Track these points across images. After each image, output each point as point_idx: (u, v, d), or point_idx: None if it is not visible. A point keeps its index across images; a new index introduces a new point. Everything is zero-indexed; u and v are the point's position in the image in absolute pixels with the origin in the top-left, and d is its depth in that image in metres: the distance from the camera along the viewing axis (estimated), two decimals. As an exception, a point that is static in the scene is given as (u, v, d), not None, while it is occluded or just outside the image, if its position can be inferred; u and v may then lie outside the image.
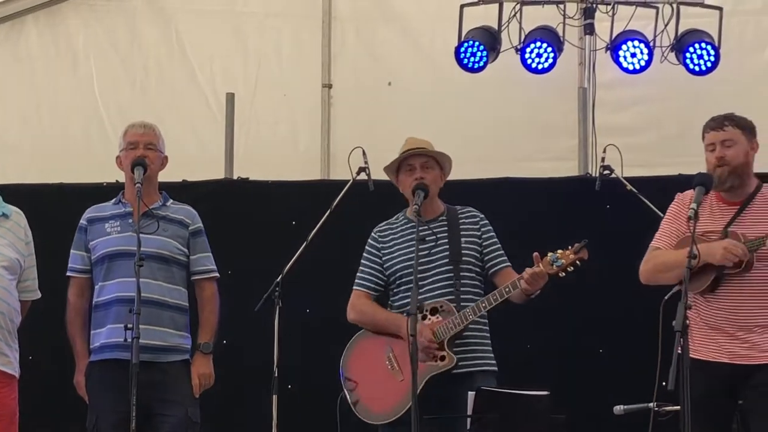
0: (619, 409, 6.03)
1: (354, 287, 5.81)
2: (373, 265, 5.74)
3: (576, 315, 7.21)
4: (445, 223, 5.67)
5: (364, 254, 5.80)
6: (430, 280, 5.52)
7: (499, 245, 5.72)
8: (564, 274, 5.37)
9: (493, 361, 5.62)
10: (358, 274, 5.81)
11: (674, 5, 7.59)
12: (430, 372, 5.34)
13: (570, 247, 5.37)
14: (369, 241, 5.81)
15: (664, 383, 4.50)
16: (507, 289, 5.42)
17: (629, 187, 6.94)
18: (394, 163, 5.75)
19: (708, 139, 5.18)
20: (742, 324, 4.99)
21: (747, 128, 5.20)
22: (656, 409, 5.68)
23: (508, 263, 5.69)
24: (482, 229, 5.70)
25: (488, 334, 5.64)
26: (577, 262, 5.36)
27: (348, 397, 5.65)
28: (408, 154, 5.70)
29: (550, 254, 5.36)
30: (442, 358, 5.41)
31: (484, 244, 5.67)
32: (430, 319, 5.47)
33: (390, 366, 5.54)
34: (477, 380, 5.39)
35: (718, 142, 5.13)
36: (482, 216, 5.75)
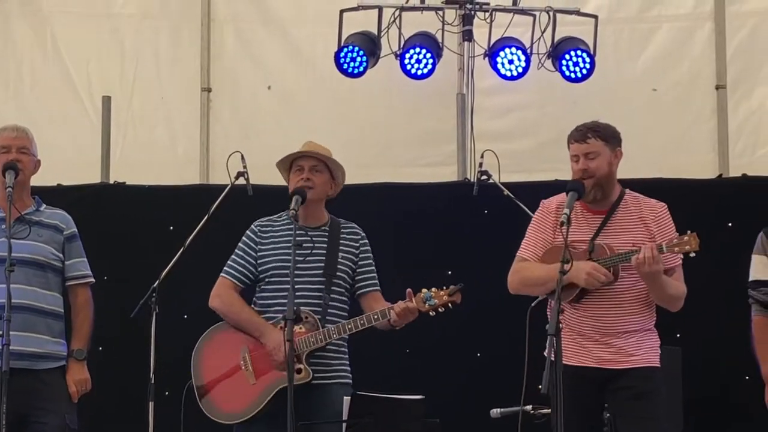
0: (495, 412, 6.09)
1: (222, 274, 5.67)
2: (247, 258, 5.65)
3: (453, 318, 7.23)
4: (326, 234, 5.62)
5: (240, 244, 5.68)
6: (300, 287, 5.43)
7: (374, 267, 5.69)
8: (434, 313, 5.39)
9: (349, 374, 5.58)
10: (229, 262, 5.68)
11: (551, 13, 7.70)
12: (284, 383, 5.27)
13: (445, 288, 5.38)
14: (247, 232, 5.69)
15: (540, 387, 4.55)
16: (375, 317, 5.40)
17: (506, 192, 7.02)
18: (285, 161, 5.69)
19: (572, 150, 5.24)
20: (608, 330, 5.09)
21: (610, 138, 5.25)
22: (531, 412, 5.77)
23: (378, 287, 5.66)
24: (361, 248, 5.66)
25: (346, 348, 5.61)
26: (450, 304, 5.38)
27: (195, 389, 5.55)
28: (299, 154, 5.66)
29: (424, 291, 5.36)
30: (298, 371, 5.32)
31: (359, 263, 5.64)
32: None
33: (244, 367, 5.48)
34: (333, 392, 5.36)
35: (581, 154, 5.19)
36: (363, 235, 5.71)
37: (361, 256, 5.65)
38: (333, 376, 5.49)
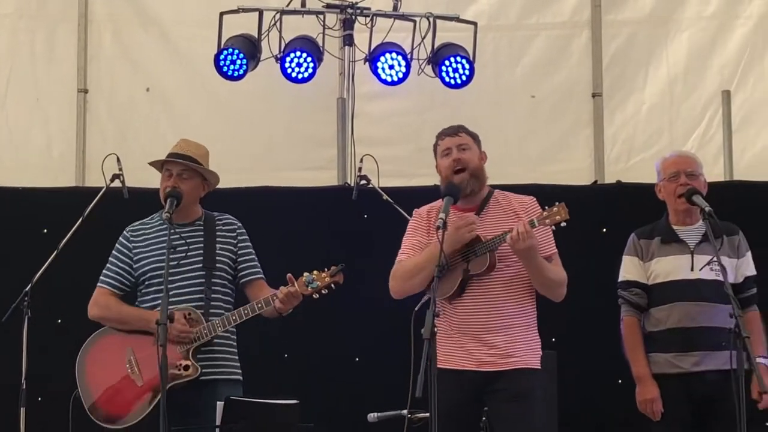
0: (372, 416, 6.09)
1: (98, 284, 5.63)
2: (121, 264, 5.60)
3: (332, 322, 7.25)
4: (201, 228, 5.59)
5: (114, 251, 5.63)
6: (181, 284, 5.42)
7: (254, 256, 5.68)
8: (318, 296, 5.37)
9: (239, 371, 5.57)
10: (104, 271, 5.63)
11: (431, 19, 7.74)
12: (174, 381, 5.23)
13: (327, 270, 5.37)
14: (120, 239, 5.65)
15: (416, 394, 4.55)
16: (259, 305, 5.39)
17: (385, 197, 7.03)
18: (157, 163, 5.63)
19: (443, 145, 5.30)
20: (490, 326, 5.10)
21: (477, 138, 5.36)
22: (409, 416, 5.78)
23: (261, 275, 5.65)
24: (238, 238, 5.65)
25: (235, 343, 5.60)
26: (332, 285, 5.37)
27: (82, 396, 5.46)
28: (168, 160, 5.60)
29: (306, 275, 5.35)
30: (186, 368, 5.32)
31: (239, 252, 5.63)
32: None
33: (130, 369, 5.41)
34: (221, 388, 5.33)
35: (454, 146, 5.26)
36: (239, 225, 5.70)
37: (239, 245, 5.63)
38: (222, 372, 5.46)
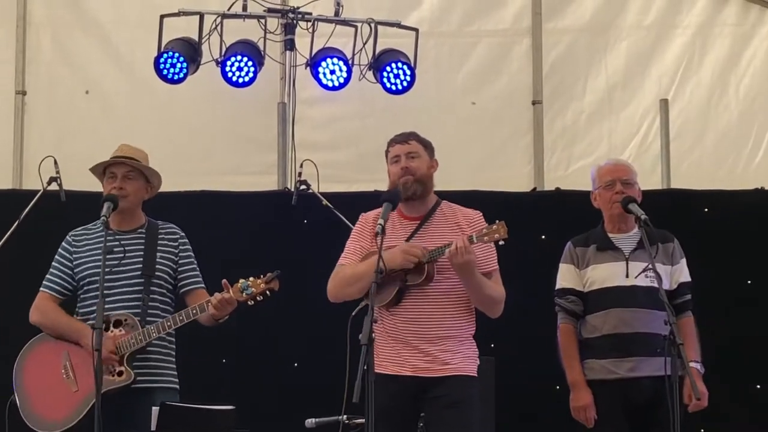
0: (310, 422, 6.09)
1: (41, 288, 5.59)
2: (62, 269, 5.57)
3: (271, 328, 7.23)
4: (143, 235, 5.56)
5: (56, 256, 5.61)
6: (119, 291, 5.39)
7: (195, 266, 5.65)
8: (253, 302, 5.35)
9: (175, 379, 5.53)
10: (47, 275, 5.60)
11: (372, 25, 7.75)
12: (107, 387, 5.18)
13: (262, 276, 5.35)
14: (63, 243, 5.62)
15: (353, 398, 4.55)
16: (194, 311, 5.36)
17: (325, 202, 7.03)
18: (98, 167, 5.59)
19: (393, 152, 5.30)
20: (425, 336, 5.10)
21: (428, 146, 5.35)
22: (346, 421, 5.79)
23: (202, 284, 5.62)
24: (180, 248, 5.61)
25: (173, 351, 5.57)
26: (268, 291, 5.35)
27: (18, 402, 5.42)
28: (111, 161, 5.56)
29: (241, 281, 5.32)
30: (120, 374, 5.28)
31: (180, 262, 5.59)
32: (113, 331, 5.34)
33: (65, 375, 5.37)
34: (157, 396, 5.28)
35: (403, 154, 5.26)
36: (182, 234, 5.67)
37: (181, 255, 5.60)
38: (158, 380, 5.43)
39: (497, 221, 5.05)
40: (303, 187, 7.23)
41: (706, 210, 7.71)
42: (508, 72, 8.50)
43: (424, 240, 5.14)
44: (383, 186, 5.42)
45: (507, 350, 7.14)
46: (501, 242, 5.06)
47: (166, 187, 6.17)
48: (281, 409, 7.06)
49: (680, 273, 5.72)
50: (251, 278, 5.31)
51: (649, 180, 7.81)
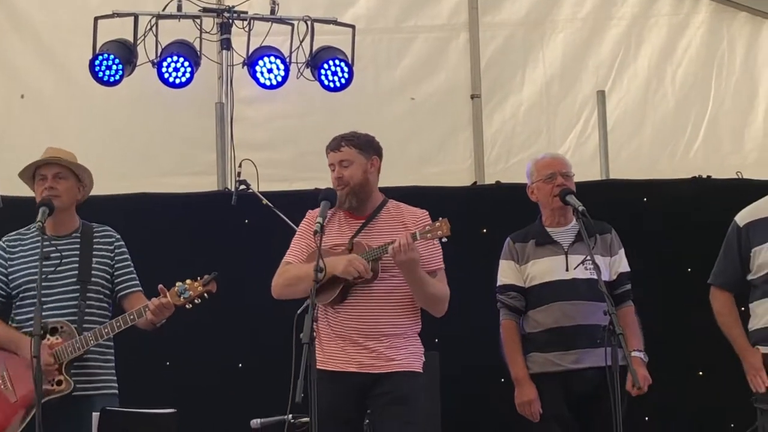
0: (255, 422, 6.07)
1: None
2: None
3: (215, 329, 7.19)
4: (78, 240, 5.51)
5: None
6: (55, 298, 5.33)
7: (132, 269, 5.61)
8: (191, 305, 5.32)
9: (115, 384, 5.50)
10: None
11: (309, 22, 7.72)
12: (46, 396, 5.11)
13: (199, 279, 5.32)
14: None
15: (302, 395, 4.54)
16: (132, 317, 5.32)
17: (265, 201, 7.00)
18: (27, 171, 5.53)
19: (328, 160, 5.30)
20: (370, 333, 5.11)
21: (365, 146, 5.30)
22: (292, 421, 5.77)
23: (139, 288, 5.58)
24: (116, 251, 5.57)
25: (112, 357, 5.52)
26: (205, 294, 5.32)
27: None
28: (40, 163, 5.50)
29: (178, 285, 5.29)
30: (59, 383, 5.23)
31: (116, 266, 5.55)
32: (49, 339, 5.28)
33: (3, 385, 5.31)
34: (96, 403, 5.24)
35: (336, 163, 5.25)
36: (118, 237, 5.62)
37: (117, 258, 5.55)
38: (97, 387, 5.38)
39: (440, 219, 5.05)
40: (242, 186, 7.20)
41: (645, 200, 7.77)
42: (446, 67, 8.51)
43: (369, 238, 5.15)
44: (324, 184, 5.42)
45: (451, 345, 7.15)
46: (444, 239, 5.07)
47: (104, 190, 6.15)
48: (227, 411, 7.02)
49: (619, 263, 5.77)
50: (188, 281, 5.29)
51: (588, 171, 7.88)
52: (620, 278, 5.75)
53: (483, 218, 7.59)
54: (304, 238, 5.28)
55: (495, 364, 5.93)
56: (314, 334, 4.55)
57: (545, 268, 5.69)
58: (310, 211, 5.36)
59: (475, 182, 8.20)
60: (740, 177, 7.95)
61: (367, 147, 5.30)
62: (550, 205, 5.76)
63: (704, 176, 7.93)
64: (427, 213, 5.30)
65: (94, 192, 5.81)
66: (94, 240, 5.54)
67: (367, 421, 5.26)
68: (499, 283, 5.83)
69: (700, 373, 7.53)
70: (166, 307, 5.27)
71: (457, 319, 6.91)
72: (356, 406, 5.15)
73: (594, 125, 8.36)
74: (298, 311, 5.22)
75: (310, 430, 4.58)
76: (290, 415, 5.65)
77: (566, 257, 5.67)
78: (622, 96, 8.57)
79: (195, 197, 7.66)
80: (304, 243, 5.27)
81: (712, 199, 7.61)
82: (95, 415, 4.85)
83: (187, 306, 5.30)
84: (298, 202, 5.82)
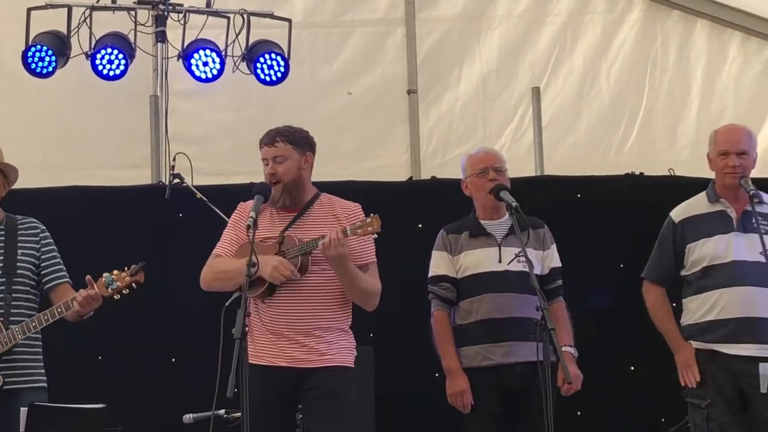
0: (188, 417, 6.03)
1: None
2: None
3: (148, 323, 7.14)
4: (3, 232, 5.43)
5: None
6: None
7: (59, 260, 5.54)
8: (119, 296, 5.28)
9: (44, 378, 5.43)
10: None
11: (245, 16, 7.70)
12: None
13: (127, 269, 5.28)
14: None
15: (236, 390, 4.52)
16: (59, 310, 5.26)
17: (199, 195, 6.95)
18: None
19: (262, 154, 5.26)
20: (301, 328, 5.09)
21: (300, 142, 5.26)
22: (225, 416, 5.75)
23: (66, 278, 5.52)
24: (42, 242, 5.49)
25: (40, 350, 5.45)
26: (133, 284, 5.28)
27: None
28: None
29: (105, 275, 5.25)
30: None
31: (42, 257, 5.48)
32: None
33: None
34: (25, 397, 5.17)
35: (270, 158, 5.22)
36: (43, 228, 5.55)
37: (43, 249, 5.49)
38: (25, 381, 5.30)
39: (372, 214, 5.06)
40: (177, 180, 7.16)
41: (578, 196, 7.81)
42: (383, 61, 8.53)
43: (300, 231, 5.13)
44: (260, 178, 5.39)
45: (386, 339, 7.17)
46: (375, 235, 5.08)
47: (37, 183, 6.10)
48: (160, 405, 6.97)
49: (551, 258, 5.80)
50: (115, 272, 5.25)
51: (524, 167, 7.93)
52: (552, 273, 5.78)
53: (418, 213, 7.59)
54: (235, 230, 5.25)
55: (429, 358, 5.93)
56: (246, 328, 4.53)
57: (478, 260, 5.70)
58: (241, 203, 5.34)
59: (411, 177, 8.21)
60: (672, 174, 8.01)
61: (302, 143, 5.27)
62: (482, 200, 5.77)
63: (637, 173, 7.99)
64: (360, 207, 5.30)
65: (24, 184, 5.75)
66: (19, 232, 5.46)
67: (300, 416, 5.25)
68: (431, 273, 5.84)
69: (632, 368, 7.58)
70: (94, 298, 5.23)
71: (393, 314, 6.95)
72: (288, 400, 5.13)
73: (530, 121, 8.40)
74: (226, 304, 5.19)
75: (242, 425, 4.55)
76: (223, 410, 5.66)
77: (499, 249, 5.68)
78: (558, 92, 8.62)
79: (128, 190, 7.59)
80: (234, 235, 5.24)
81: (644, 196, 7.67)
82: (23, 410, 4.80)
83: (115, 297, 5.26)
84: (234, 196, 5.78)
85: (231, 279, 5.01)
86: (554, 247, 5.83)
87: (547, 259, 5.78)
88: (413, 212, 7.60)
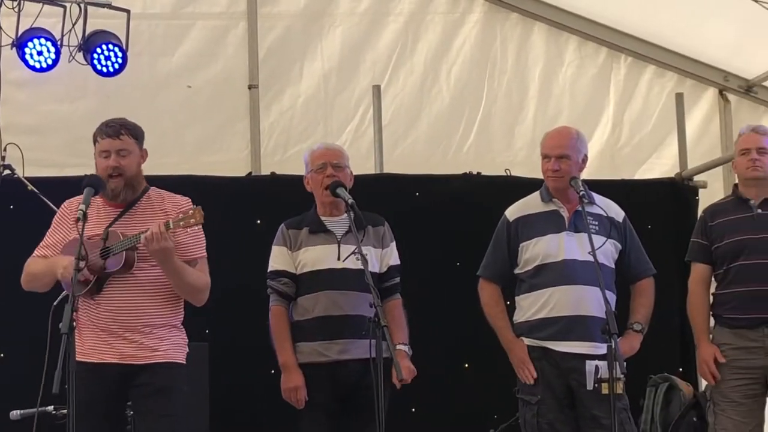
0: (15, 414, 5.90)
1: None
2: None
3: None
4: None
5: None
6: None
7: None
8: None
9: None
10: None
11: (82, 5, 7.54)
12: None
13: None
14: None
15: (66, 386, 4.43)
16: None
17: (30, 187, 6.79)
18: None
19: (103, 146, 5.15)
20: (129, 325, 5.03)
21: (140, 138, 5.24)
22: (54, 412, 5.64)
23: None
24: None
25: None
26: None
27: None
28: None
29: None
30: None
31: None
32: None
33: None
34: None
35: (113, 151, 5.13)
36: None
37: None
38: None
39: (194, 207, 5.01)
40: (7, 171, 6.96)
41: (417, 194, 7.88)
42: (224, 55, 8.43)
43: (127, 227, 5.06)
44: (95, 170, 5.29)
45: (223, 335, 7.12)
46: (197, 227, 5.03)
47: None
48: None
49: (390, 256, 5.83)
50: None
51: (365, 165, 7.93)
52: (390, 271, 5.81)
53: (257, 209, 7.56)
54: (59, 231, 5.19)
55: (266, 354, 5.90)
56: (74, 323, 4.44)
57: (317, 256, 5.70)
58: (67, 201, 5.28)
59: (251, 173, 8.16)
60: (509, 174, 8.14)
61: (141, 138, 5.25)
62: (321, 197, 5.77)
63: (474, 173, 8.10)
64: (190, 200, 5.24)
65: None
66: None
67: (131, 413, 5.17)
68: (270, 268, 5.81)
69: (466, 365, 7.68)
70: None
71: (229, 309, 6.93)
72: (117, 398, 5.07)
73: (370, 119, 8.42)
74: (55, 302, 5.11)
75: (68, 423, 4.46)
76: (51, 407, 5.54)
77: (339, 246, 5.69)
78: (398, 92, 8.66)
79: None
80: (57, 237, 5.18)
81: (481, 195, 7.78)
82: None
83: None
84: (68, 189, 5.66)
85: (39, 280, 5.03)
86: (393, 245, 5.86)
87: (386, 256, 5.81)
88: (252, 208, 7.57)
